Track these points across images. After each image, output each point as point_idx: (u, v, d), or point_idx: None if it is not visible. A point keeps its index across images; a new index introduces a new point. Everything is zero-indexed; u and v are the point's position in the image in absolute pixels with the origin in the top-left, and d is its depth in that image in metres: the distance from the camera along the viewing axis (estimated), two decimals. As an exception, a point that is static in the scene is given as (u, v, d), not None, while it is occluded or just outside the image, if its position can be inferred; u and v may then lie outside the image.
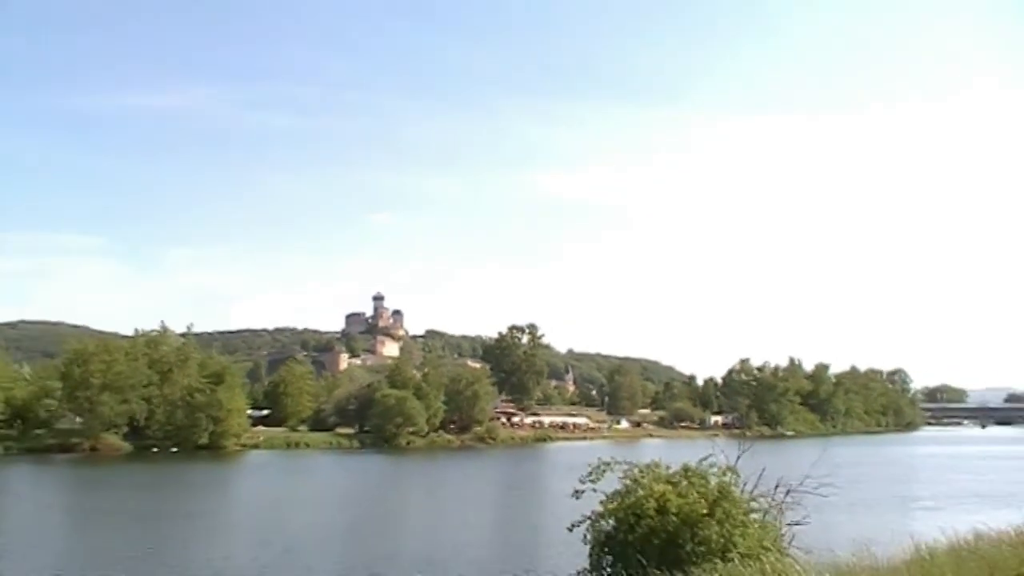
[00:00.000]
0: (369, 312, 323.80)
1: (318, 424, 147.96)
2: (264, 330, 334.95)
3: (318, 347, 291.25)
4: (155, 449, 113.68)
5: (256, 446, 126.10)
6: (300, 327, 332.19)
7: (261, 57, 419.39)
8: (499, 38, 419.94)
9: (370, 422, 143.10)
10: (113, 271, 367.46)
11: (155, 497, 66.36)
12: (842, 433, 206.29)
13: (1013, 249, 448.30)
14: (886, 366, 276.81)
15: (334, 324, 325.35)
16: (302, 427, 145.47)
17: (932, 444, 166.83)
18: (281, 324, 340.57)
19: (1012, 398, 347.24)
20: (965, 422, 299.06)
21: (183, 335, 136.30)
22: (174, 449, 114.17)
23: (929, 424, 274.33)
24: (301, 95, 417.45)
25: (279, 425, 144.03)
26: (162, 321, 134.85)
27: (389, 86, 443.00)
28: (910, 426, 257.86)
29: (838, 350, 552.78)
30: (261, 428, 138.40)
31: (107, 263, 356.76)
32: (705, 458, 18.15)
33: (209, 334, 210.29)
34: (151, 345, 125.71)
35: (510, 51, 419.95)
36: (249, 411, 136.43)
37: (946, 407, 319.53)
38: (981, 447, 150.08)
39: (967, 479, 78.74)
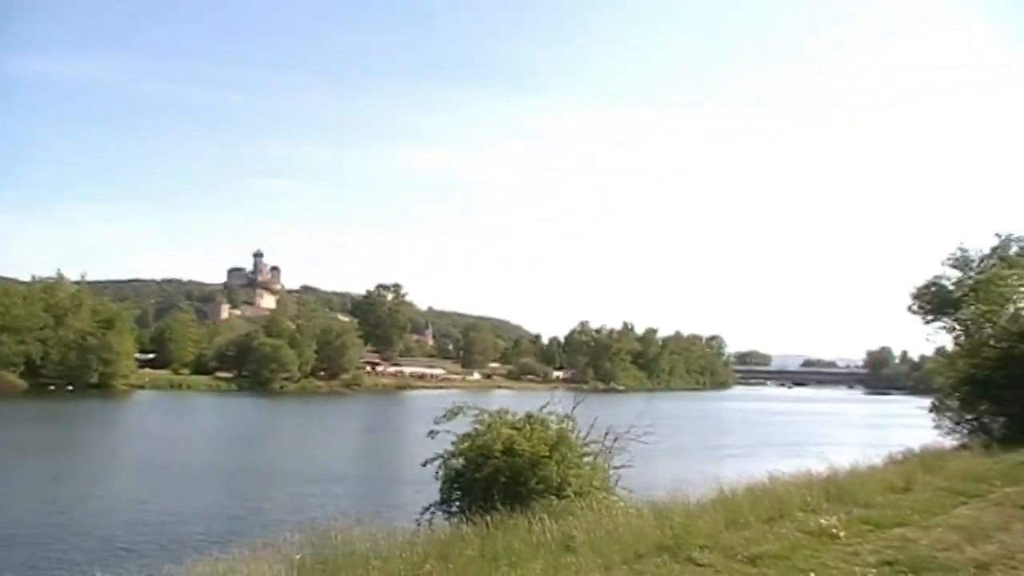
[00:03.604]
0: (249, 267, 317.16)
1: (200, 368, 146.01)
2: (152, 280, 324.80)
3: (201, 298, 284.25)
4: (52, 387, 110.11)
5: (142, 387, 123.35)
6: (185, 279, 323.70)
7: (165, 33, 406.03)
8: (389, 28, 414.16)
9: (247, 367, 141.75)
10: (13, 222, 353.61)
11: (46, 431, 64.69)
12: (666, 389, 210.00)
13: (814, 235, 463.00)
14: (705, 332, 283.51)
15: (217, 277, 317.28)
16: (185, 370, 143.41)
17: (741, 401, 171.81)
18: (168, 276, 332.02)
19: (807, 363, 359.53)
20: (768, 383, 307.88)
21: (77, 283, 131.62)
22: (70, 388, 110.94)
23: (739, 384, 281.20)
24: (202, 69, 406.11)
25: (164, 368, 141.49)
26: (58, 269, 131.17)
27: (283, 65, 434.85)
28: (723, 385, 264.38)
29: (665, 317, 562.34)
30: (147, 370, 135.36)
31: (8, 215, 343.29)
32: (545, 406, 18.44)
33: (101, 282, 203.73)
34: (47, 291, 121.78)
35: (398, 40, 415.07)
36: (137, 354, 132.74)
37: (753, 369, 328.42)
38: (781, 404, 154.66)
39: (767, 431, 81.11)
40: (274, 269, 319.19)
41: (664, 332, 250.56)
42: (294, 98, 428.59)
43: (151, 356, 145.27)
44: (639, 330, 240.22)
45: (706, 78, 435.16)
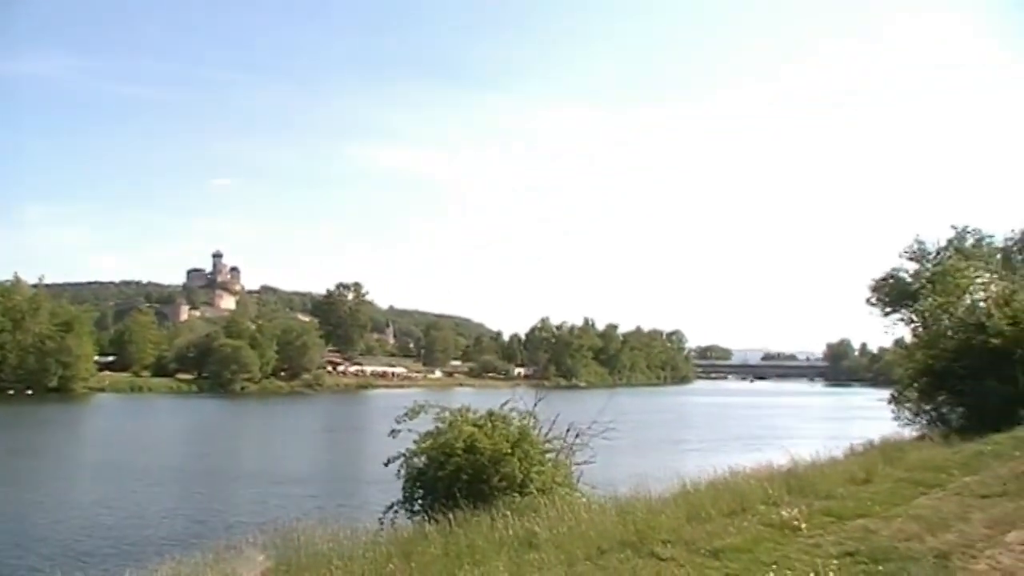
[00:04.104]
0: (209, 268, 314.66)
1: (160, 370, 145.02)
2: (111, 282, 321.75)
3: (161, 299, 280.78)
4: (11, 392, 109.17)
5: (102, 389, 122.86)
6: (144, 280, 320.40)
7: (122, 32, 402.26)
8: (352, 25, 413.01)
9: (208, 369, 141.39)
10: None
11: (4, 435, 64.17)
12: (627, 385, 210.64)
13: (772, 229, 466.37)
14: (666, 327, 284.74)
15: (176, 278, 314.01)
16: (145, 373, 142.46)
17: (702, 395, 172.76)
18: (127, 277, 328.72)
19: (767, 356, 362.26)
20: (729, 377, 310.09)
21: (35, 286, 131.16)
22: (29, 392, 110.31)
23: (700, 378, 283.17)
24: (156, 70, 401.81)
25: (124, 370, 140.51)
26: (15, 272, 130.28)
27: (244, 63, 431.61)
28: (684, 380, 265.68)
29: (626, 312, 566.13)
30: (107, 373, 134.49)
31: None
32: (506, 403, 18.45)
33: (59, 285, 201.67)
34: (4, 295, 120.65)
35: (359, 38, 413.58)
36: (96, 357, 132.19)
37: (714, 363, 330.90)
38: (742, 398, 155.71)
39: (729, 425, 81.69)
40: (234, 270, 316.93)
41: (625, 328, 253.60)
42: (255, 97, 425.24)
43: (111, 359, 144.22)
44: (600, 326, 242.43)
45: (671, 77, 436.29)
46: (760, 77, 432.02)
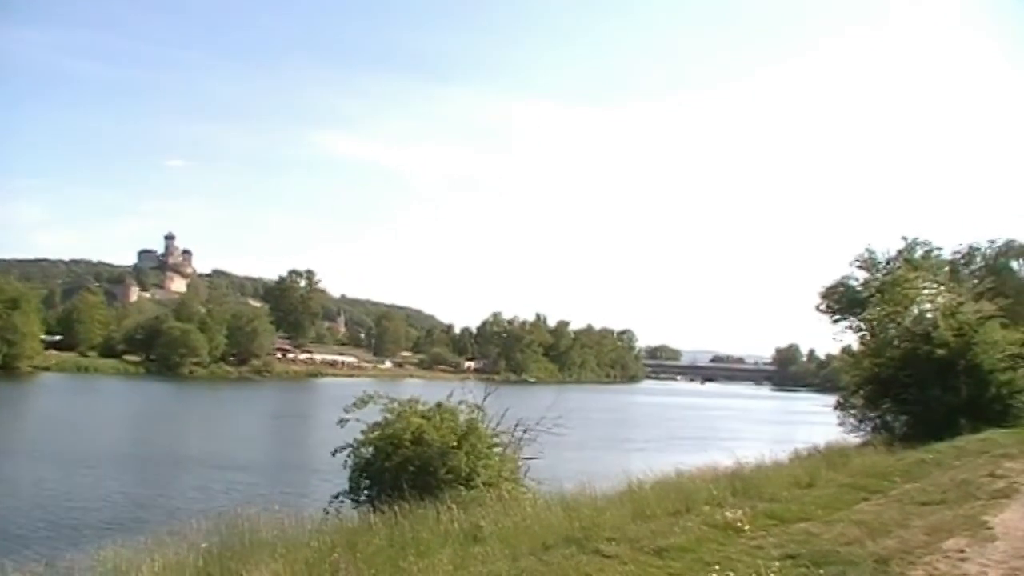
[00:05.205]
0: (160, 250, 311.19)
1: (107, 351, 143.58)
2: (60, 261, 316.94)
3: (111, 279, 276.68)
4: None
5: (48, 369, 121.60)
6: (94, 260, 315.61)
7: (72, 6, 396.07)
8: (314, 13, 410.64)
9: (156, 351, 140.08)
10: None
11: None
12: (577, 382, 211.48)
13: (725, 233, 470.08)
14: (617, 326, 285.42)
15: (127, 259, 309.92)
16: (92, 353, 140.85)
17: (651, 395, 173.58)
18: (77, 256, 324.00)
19: (716, 359, 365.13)
20: (678, 377, 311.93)
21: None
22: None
23: (649, 378, 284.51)
24: (113, 46, 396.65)
25: (71, 350, 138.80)
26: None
27: (196, 45, 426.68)
28: (634, 379, 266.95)
29: (578, 310, 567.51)
30: (54, 352, 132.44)
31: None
32: (450, 395, 18.48)
33: (6, 261, 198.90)
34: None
35: (317, 25, 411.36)
36: (43, 336, 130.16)
37: (664, 364, 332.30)
38: (691, 399, 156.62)
39: (676, 425, 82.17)
40: (185, 252, 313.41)
41: (576, 325, 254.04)
42: (213, 79, 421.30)
43: (58, 338, 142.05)
44: (552, 323, 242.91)
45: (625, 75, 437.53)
46: (724, 80, 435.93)
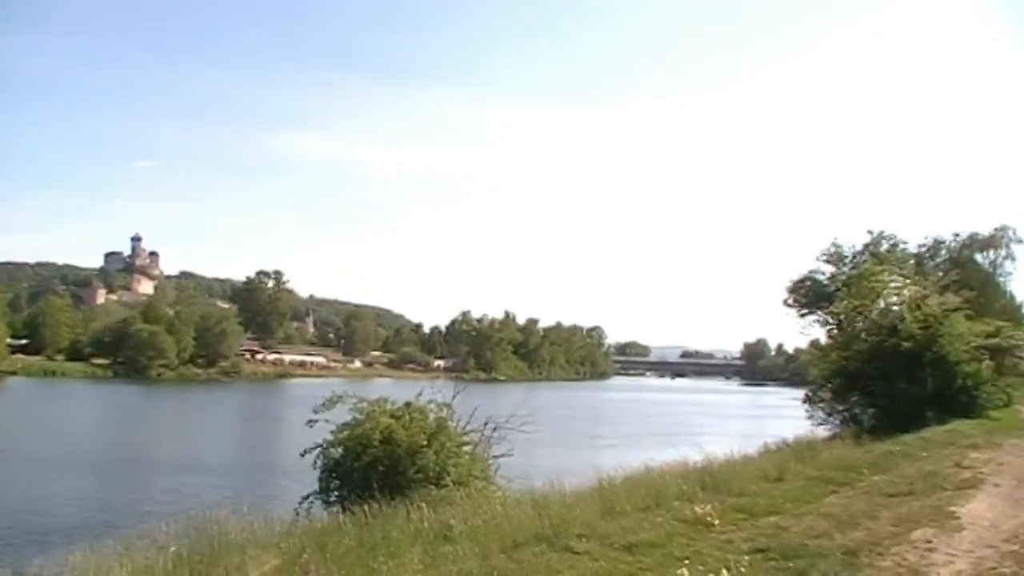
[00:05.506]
0: (127, 252, 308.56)
1: (75, 354, 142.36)
2: (26, 264, 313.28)
3: (77, 282, 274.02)
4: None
5: (14, 373, 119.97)
6: (61, 262, 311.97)
7: (37, 6, 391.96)
8: (284, 14, 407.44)
9: (124, 354, 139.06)
10: None
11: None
12: (547, 379, 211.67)
13: (693, 228, 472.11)
14: (586, 323, 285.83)
15: (93, 262, 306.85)
16: (59, 356, 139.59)
17: (621, 391, 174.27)
18: (43, 259, 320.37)
19: (685, 354, 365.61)
20: (648, 373, 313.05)
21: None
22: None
23: (619, 374, 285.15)
24: (79, 47, 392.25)
25: (37, 354, 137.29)
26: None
27: (162, 46, 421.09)
28: (604, 375, 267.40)
29: (547, 307, 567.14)
30: (20, 356, 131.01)
31: None
32: (420, 394, 18.46)
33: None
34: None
35: (280, 25, 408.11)
36: (9, 340, 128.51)
37: (633, 360, 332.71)
38: (660, 394, 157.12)
39: (646, 421, 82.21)
40: (152, 254, 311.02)
41: (545, 322, 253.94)
42: (179, 79, 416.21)
43: (24, 342, 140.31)
44: (521, 320, 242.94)
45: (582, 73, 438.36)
46: (690, 82, 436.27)
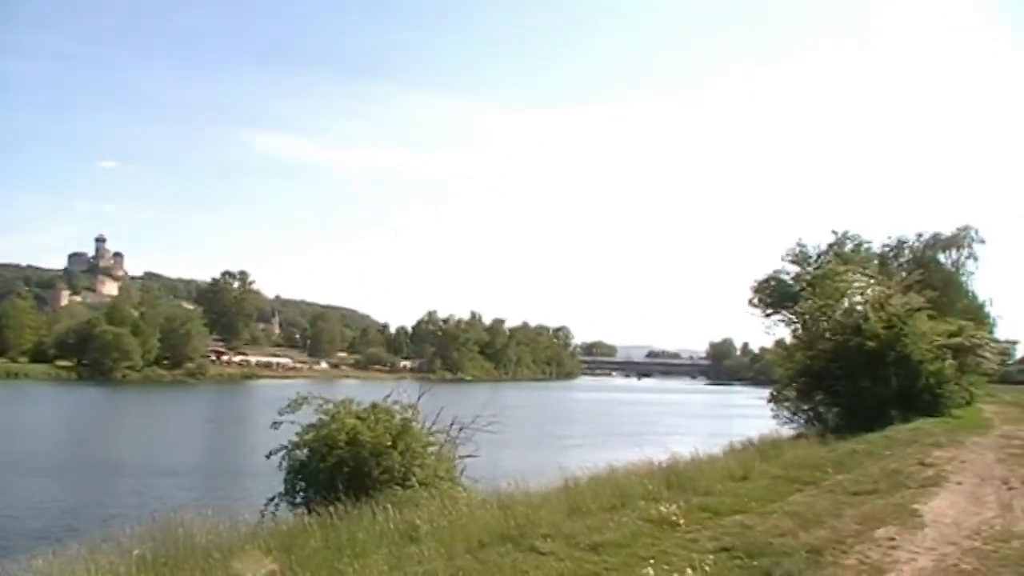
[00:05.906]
0: (91, 253, 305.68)
1: (38, 356, 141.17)
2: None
3: (40, 283, 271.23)
4: None
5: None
6: (23, 263, 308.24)
7: (8, 5, 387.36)
8: (243, 10, 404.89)
9: (88, 356, 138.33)
10: None
11: None
12: (513, 379, 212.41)
13: (657, 228, 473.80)
14: (552, 323, 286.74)
15: (57, 263, 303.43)
16: (22, 359, 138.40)
17: (587, 391, 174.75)
18: (5, 260, 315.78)
19: (651, 354, 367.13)
20: (614, 373, 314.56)
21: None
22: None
23: (585, 374, 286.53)
24: (47, 45, 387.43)
25: (0, 356, 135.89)
26: None
27: (125, 45, 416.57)
28: (570, 375, 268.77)
29: (513, 307, 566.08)
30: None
31: None
32: (388, 395, 18.43)
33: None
34: None
35: (250, 24, 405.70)
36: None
37: (599, 360, 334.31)
38: (627, 394, 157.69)
39: (612, 421, 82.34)
40: (117, 255, 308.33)
41: (512, 323, 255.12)
42: (143, 78, 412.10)
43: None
44: (487, 320, 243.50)
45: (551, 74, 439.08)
46: (650, 85, 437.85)
